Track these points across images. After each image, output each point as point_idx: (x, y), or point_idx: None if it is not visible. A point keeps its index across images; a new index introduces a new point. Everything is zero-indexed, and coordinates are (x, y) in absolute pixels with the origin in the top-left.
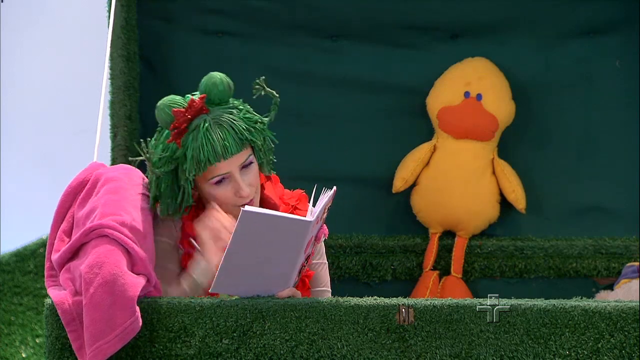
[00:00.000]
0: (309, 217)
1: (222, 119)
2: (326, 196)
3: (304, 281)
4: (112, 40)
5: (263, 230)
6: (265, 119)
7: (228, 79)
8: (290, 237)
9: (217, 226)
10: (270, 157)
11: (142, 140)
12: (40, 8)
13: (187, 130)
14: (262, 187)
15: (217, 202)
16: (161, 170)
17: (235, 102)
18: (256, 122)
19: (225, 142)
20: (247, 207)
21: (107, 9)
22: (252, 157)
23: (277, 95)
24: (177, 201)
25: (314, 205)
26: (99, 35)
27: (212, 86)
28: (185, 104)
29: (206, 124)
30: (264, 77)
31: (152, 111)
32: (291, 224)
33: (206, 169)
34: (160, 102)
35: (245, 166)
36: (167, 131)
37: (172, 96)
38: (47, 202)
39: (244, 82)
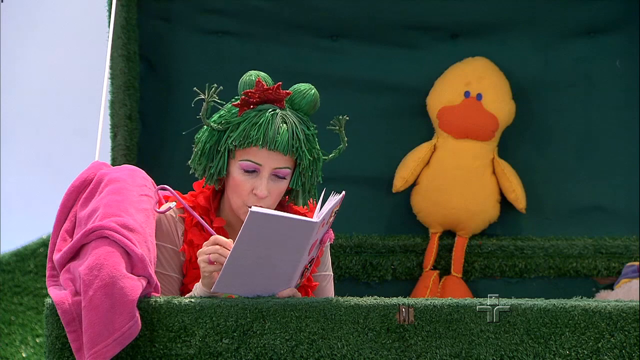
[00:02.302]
0: (315, 219)
1: (290, 118)
2: (334, 200)
3: (307, 292)
4: (112, 40)
5: (269, 231)
6: (323, 156)
7: (318, 99)
8: (296, 238)
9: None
10: (312, 193)
11: (215, 86)
12: (40, 8)
13: (254, 107)
14: (281, 205)
15: (232, 190)
16: (213, 124)
17: (310, 122)
18: (314, 148)
19: (279, 136)
20: (254, 208)
21: (107, 8)
22: (288, 172)
23: (347, 143)
24: (212, 166)
25: (321, 206)
26: (99, 35)
27: (300, 92)
28: (272, 85)
29: (275, 112)
30: (348, 118)
31: (152, 111)
32: (297, 225)
33: (248, 146)
34: (254, 71)
35: (277, 174)
36: (238, 98)
37: (266, 74)
38: (47, 202)
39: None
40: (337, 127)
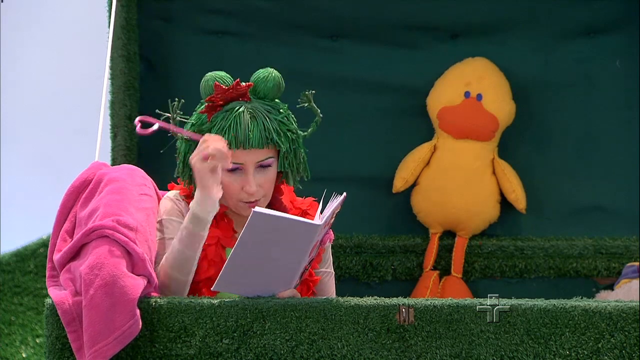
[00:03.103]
0: (318, 221)
1: (258, 111)
2: (336, 201)
3: (309, 286)
4: (112, 40)
5: (271, 232)
6: (301, 132)
7: (281, 80)
8: (297, 240)
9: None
10: (301, 170)
11: (176, 100)
12: (40, 8)
13: (222, 109)
14: (280, 191)
15: (224, 192)
16: (186, 136)
17: (280, 105)
18: (289, 130)
19: (250, 133)
20: (257, 208)
21: (107, 9)
22: (272, 160)
23: (321, 115)
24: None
25: (323, 208)
26: (99, 35)
27: (262, 80)
28: (231, 84)
29: (241, 109)
30: (314, 91)
31: (152, 111)
32: (299, 227)
33: None
34: (209, 74)
35: (262, 165)
36: (205, 103)
37: (223, 73)
38: (47, 202)
39: (243, 82)
40: (306, 103)
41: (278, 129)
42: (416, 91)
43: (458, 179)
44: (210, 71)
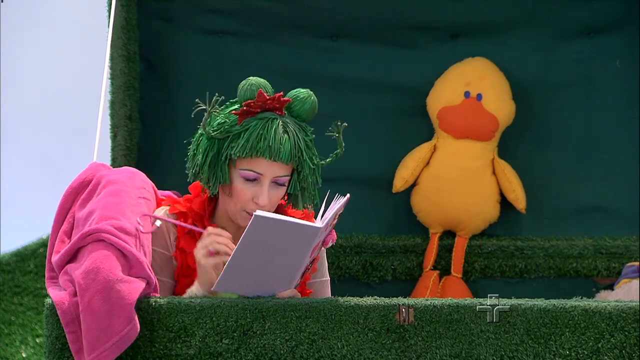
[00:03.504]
0: (319, 223)
1: (291, 127)
2: (338, 203)
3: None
4: (112, 40)
5: (273, 234)
6: (320, 161)
7: (316, 104)
8: (299, 242)
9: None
10: (310, 197)
11: (217, 97)
12: (40, 8)
13: (255, 115)
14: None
15: (232, 198)
16: (213, 133)
17: (308, 128)
18: (314, 155)
19: (282, 147)
20: (258, 212)
21: (107, 8)
22: (287, 179)
23: (343, 149)
24: (215, 176)
25: (326, 208)
26: (99, 35)
27: (300, 100)
28: (272, 94)
29: (277, 121)
30: (346, 124)
31: (152, 111)
32: (301, 229)
33: (251, 157)
34: (252, 78)
35: (277, 182)
36: (236, 105)
37: (264, 81)
38: (47, 202)
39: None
40: (335, 133)
41: (305, 149)
42: (416, 91)
43: (458, 179)
44: (210, 71)
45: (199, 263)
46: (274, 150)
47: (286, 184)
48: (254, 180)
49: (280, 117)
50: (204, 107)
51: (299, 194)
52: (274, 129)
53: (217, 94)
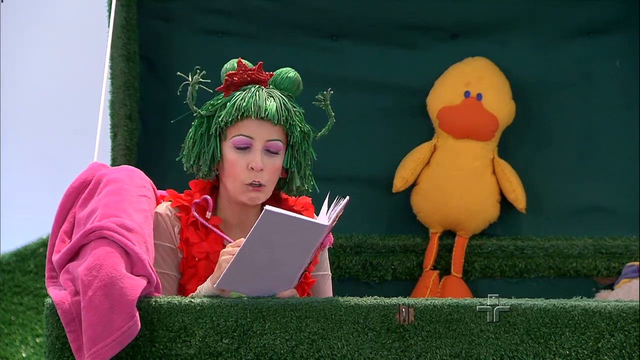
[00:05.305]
0: (325, 222)
1: (276, 94)
2: (339, 205)
3: (304, 289)
4: (112, 40)
5: (280, 231)
6: (311, 132)
7: (300, 79)
8: (304, 240)
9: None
10: (306, 178)
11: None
12: (40, 8)
13: (239, 89)
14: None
15: (229, 175)
16: (199, 109)
17: (296, 102)
18: (303, 123)
19: (267, 105)
20: (268, 207)
21: (107, 8)
22: (281, 147)
23: (334, 120)
24: (206, 151)
25: (326, 210)
26: (99, 35)
27: (283, 74)
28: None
29: (261, 89)
30: (332, 91)
31: (152, 111)
32: (308, 227)
33: (240, 120)
34: (235, 59)
35: (270, 150)
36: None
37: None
38: (47, 202)
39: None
40: (323, 102)
41: (293, 116)
42: (416, 91)
43: (458, 179)
44: (210, 71)
45: (220, 264)
46: (261, 108)
47: (280, 154)
48: (246, 148)
49: (265, 89)
50: (188, 81)
51: (294, 170)
52: (258, 93)
53: (197, 67)
